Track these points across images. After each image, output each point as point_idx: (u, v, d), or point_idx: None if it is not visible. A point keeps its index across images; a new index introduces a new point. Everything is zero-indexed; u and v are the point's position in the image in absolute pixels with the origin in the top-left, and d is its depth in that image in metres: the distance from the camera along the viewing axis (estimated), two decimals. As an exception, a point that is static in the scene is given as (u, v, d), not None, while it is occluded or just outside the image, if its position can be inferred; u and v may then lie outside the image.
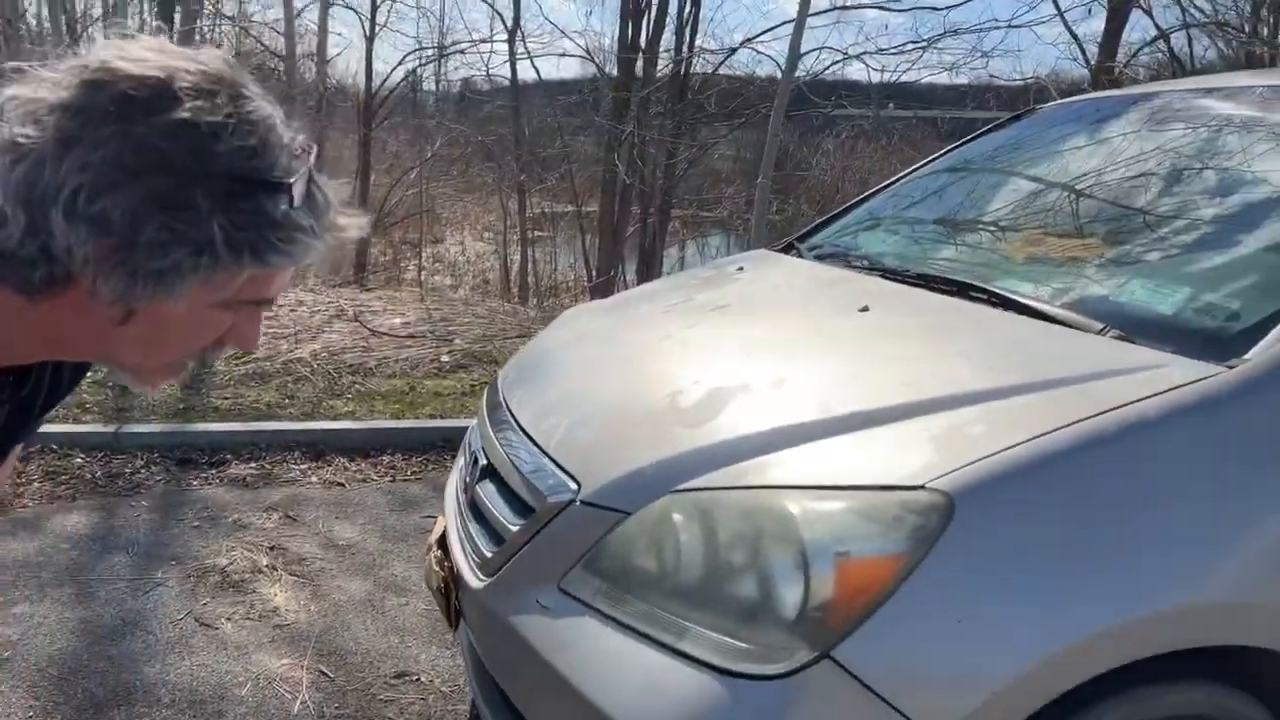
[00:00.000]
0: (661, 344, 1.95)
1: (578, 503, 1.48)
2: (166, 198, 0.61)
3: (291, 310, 6.03)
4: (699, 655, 1.23)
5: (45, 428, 3.73)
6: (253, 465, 3.75)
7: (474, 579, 1.64)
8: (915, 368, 1.53)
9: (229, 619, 2.59)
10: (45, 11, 8.46)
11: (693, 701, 1.18)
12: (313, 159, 0.70)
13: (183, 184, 0.62)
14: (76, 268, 0.63)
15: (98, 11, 10.57)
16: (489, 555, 1.63)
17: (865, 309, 1.79)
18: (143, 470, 3.60)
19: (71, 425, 3.84)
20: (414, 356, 5.39)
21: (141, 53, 0.64)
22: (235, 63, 0.68)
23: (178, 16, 7.37)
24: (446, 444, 4.14)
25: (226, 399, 4.39)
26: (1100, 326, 1.51)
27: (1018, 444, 1.23)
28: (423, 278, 10.34)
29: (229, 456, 3.79)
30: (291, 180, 0.66)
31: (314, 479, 3.70)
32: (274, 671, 2.36)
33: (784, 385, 1.56)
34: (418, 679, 2.37)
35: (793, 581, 1.21)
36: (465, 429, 2.35)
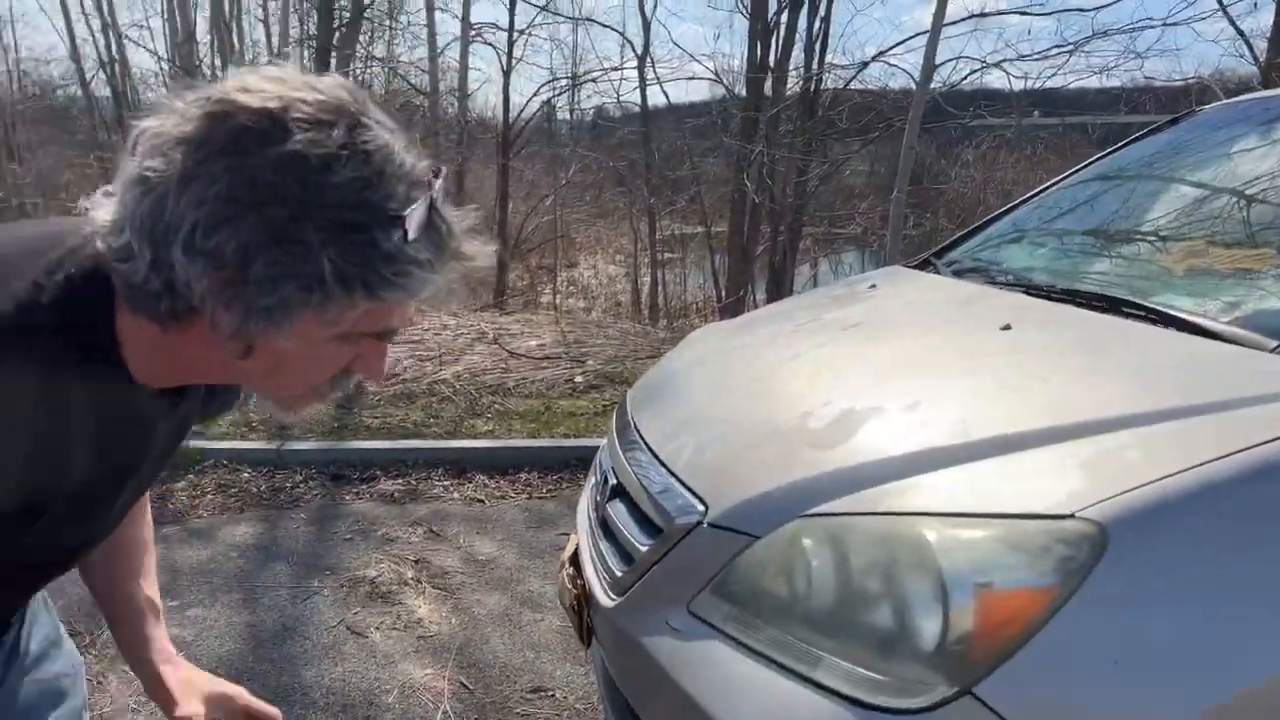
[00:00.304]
0: (791, 364, 1.92)
1: (705, 525, 1.47)
2: (277, 231, 0.61)
3: (436, 334, 6.33)
4: (833, 685, 1.20)
5: (217, 444, 4.06)
6: (400, 481, 3.94)
7: (605, 598, 1.66)
8: (1063, 388, 1.45)
9: (377, 628, 2.72)
10: (218, 60, 9.27)
11: (825, 733, 1.15)
12: (438, 186, 0.67)
13: (294, 217, 0.61)
14: (197, 301, 0.64)
15: (264, 60, 11.48)
16: (619, 574, 1.64)
17: (1008, 327, 1.71)
18: (302, 485, 3.85)
19: (240, 442, 4.15)
20: (549, 377, 5.54)
21: (261, 84, 0.64)
22: (357, 89, 0.66)
23: (333, 60, 7.91)
24: (580, 463, 4.22)
25: (377, 418, 4.65)
26: (1274, 344, 1.38)
27: (1180, 471, 1.14)
28: (557, 301, 10.62)
29: (379, 473, 4.01)
30: (406, 213, 0.64)
31: (456, 495, 3.85)
32: (418, 681, 2.46)
33: (920, 407, 1.51)
34: (552, 695, 2.42)
35: (930, 612, 1.16)
36: (597, 448, 2.40)
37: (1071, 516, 1.13)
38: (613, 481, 1.92)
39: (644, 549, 1.59)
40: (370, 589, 2.96)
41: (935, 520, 1.23)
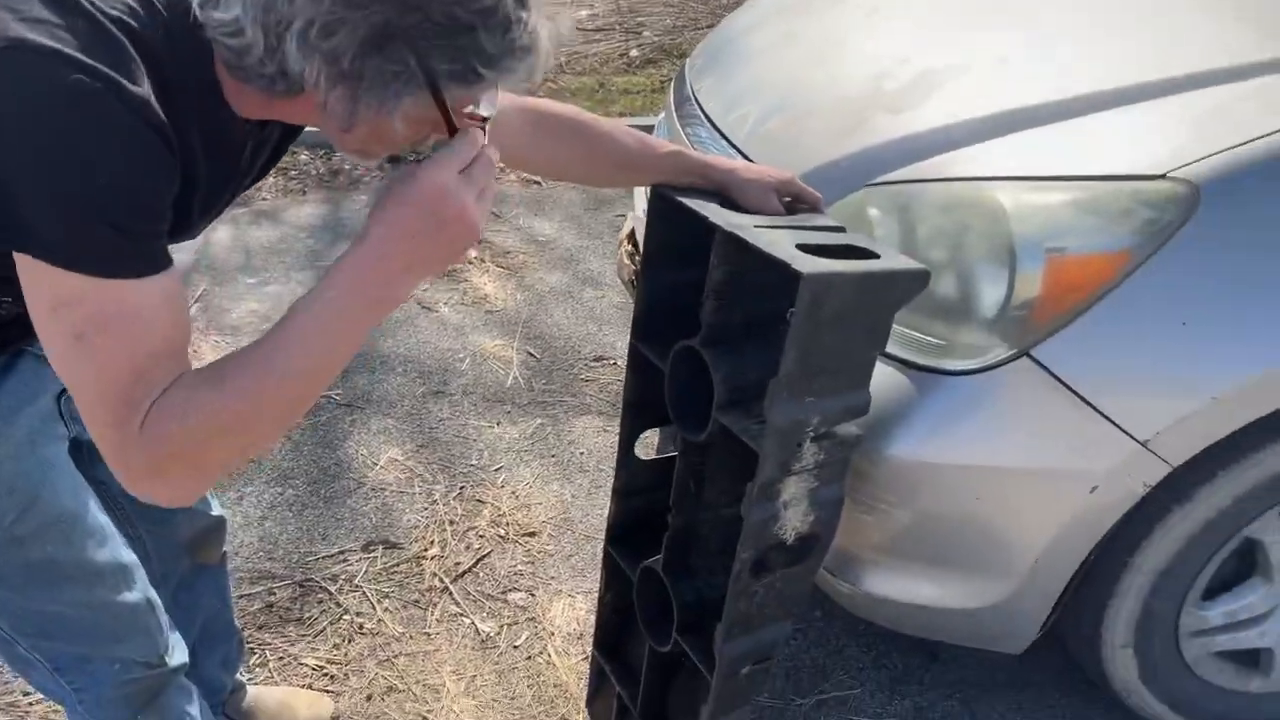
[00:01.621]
0: (866, 20, 1.75)
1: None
2: (390, 35, 0.65)
3: (480, 5, 5.93)
4: (890, 351, 1.22)
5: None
6: (455, 163, 3.91)
7: (664, 270, 1.67)
8: (1181, 35, 1.30)
9: (446, 304, 2.85)
10: None
11: (883, 395, 1.19)
12: None
13: (405, 21, 0.65)
14: (309, 86, 0.69)
15: None
16: (678, 248, 1.64)
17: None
18: (359, 167, 3.85)
19: (293, 125, 4.11)
20: (603, 51, 5.22)
21: None
22: None
23: None
24: (637, 143, 4.11)
25: (426, 99, 4.51)
26: None
27: (1294, 128, 1.03)
28: (609, -35, 9.74)
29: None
30: (498, 18, 0.67)
31: (512, 176, 3.82)
32: (488, 350, 2.61)
33: (1010, 63, 1.38)
34: (614, 363, 2.55)
35: (996, 279, 1.14)
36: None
37: (1163, 177, 1.06)
38: (671, 155, 1.85)
39: (702, 221, 1.57)
40: (436, 268, 3.06)
41: (1011, 184, 1.17)
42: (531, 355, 2.60)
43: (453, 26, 0.66)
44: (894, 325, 1.23)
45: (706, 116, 1.77)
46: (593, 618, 1.50)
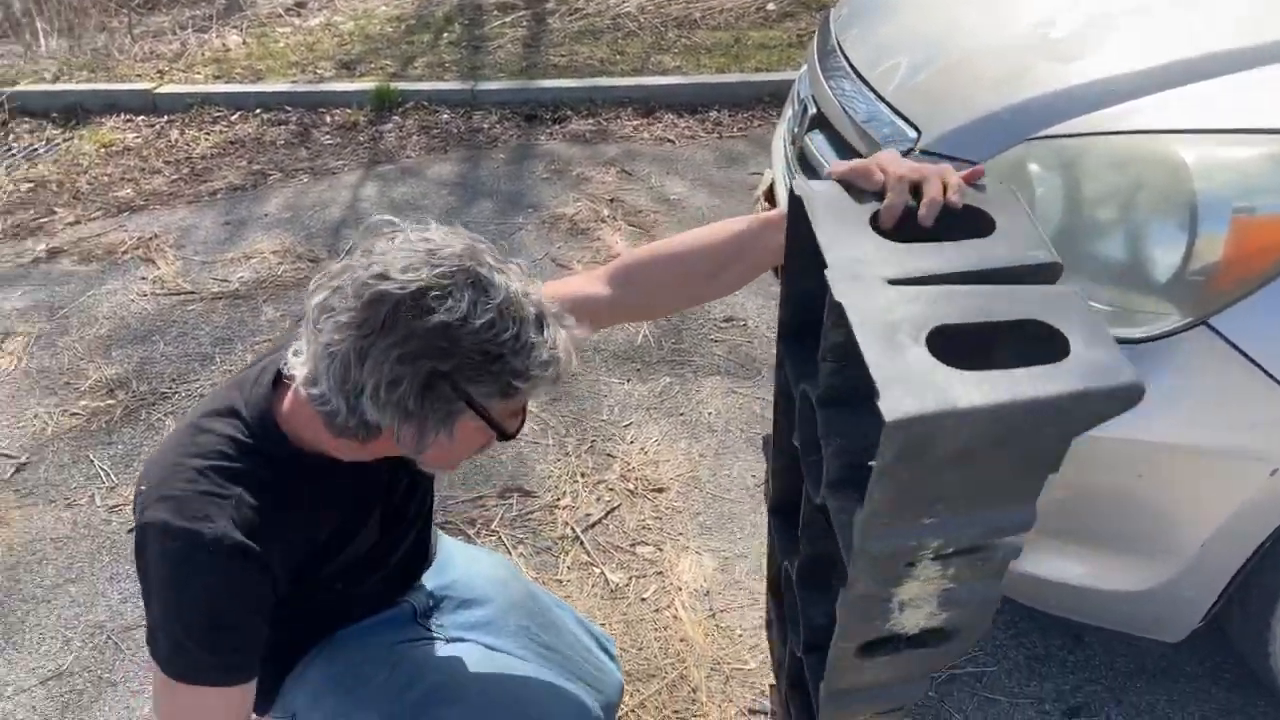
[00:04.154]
0: (1032, -37, 1.63)
1: (917, 153, 1.37)
2: (438, 378, 0.83)
3: (616, -40, 5.90)
4: (1045, 314, 1.15)
5: (416, 85, 4.16)
6: (590, 121, 3.94)
7: (803, 229, 1.63)
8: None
9: (579, 261, 2.89)
10: None
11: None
12: (544, 306, 0.88)
13: (448, 365, 0.83)
14: (385, 427, 0.87)
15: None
16: (819, 206, 1.59)
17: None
18: (497, 125, 3.93)
19: (437, 83, 4.23)
20: (739, 6, 5.11)
21: (398, 269, 0.83)
22: (473, 246, 0.86)
23: None
24: (772, 99, 4.01)
25: (563, 56, 4.54)
26: None
27: None
28: (746, -84, 9.48)
29: (569, 113, 4.00)
30: (521, 343, 0.85)
31: (645, 135, 3.82)
32: (619, 308, 2.63)
33: (1194, 7, 1.26)
34: (744, 324, 2.53)
35: (1172, 241, 1.05)
36: (792, 82, 2.23)
37: (1380, 129, 0.95)
38: (812, 111, 1.80)
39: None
40: (570, 225, 3.10)
41: (1194, 138, 1.07)
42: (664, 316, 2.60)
43: (485, 359, 0.83)
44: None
45: (853, 68, 1.71)
46: (719, 575, 1.50)
